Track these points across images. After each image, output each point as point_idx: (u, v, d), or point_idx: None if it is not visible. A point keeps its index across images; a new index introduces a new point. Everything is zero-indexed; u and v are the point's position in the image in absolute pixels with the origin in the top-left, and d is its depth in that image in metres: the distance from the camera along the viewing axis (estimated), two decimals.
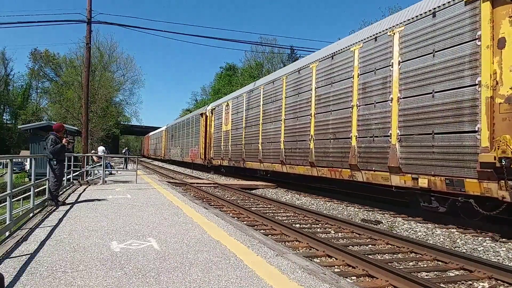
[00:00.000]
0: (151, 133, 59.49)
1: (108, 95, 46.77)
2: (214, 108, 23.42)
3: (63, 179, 11.27)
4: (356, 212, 9.34)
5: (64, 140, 8.15)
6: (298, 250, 5.57)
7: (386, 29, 8.70)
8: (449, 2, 7.11)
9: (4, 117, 64.39)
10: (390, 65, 8.43)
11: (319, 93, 11.33)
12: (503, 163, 5.70)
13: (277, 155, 14.00)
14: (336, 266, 4.82)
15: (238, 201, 11.00)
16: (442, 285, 4.18)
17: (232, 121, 19.60)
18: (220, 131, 21.54)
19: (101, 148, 21.87)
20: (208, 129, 24.21)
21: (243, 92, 18.59)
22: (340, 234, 6.90)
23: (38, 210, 7.23)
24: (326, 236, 6.58)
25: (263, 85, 16.00)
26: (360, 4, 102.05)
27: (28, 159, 20.85)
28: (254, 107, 16.60)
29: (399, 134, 8.05)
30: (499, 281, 4.37)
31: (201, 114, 26.04)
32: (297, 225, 7.48)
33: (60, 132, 8.29)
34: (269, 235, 6.35)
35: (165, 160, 42.93)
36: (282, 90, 13.93)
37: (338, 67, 10.50)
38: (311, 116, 11.68)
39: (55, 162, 7.87)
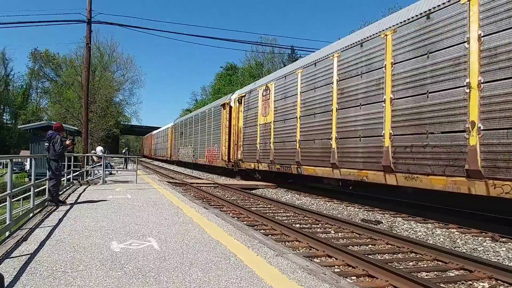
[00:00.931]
0: (154, 132, 55.74)
1: (108, 95, 46.74)
2: (244, 96, 17.74)
3: (63, 179, 11.31)
4: (356, 212, 9.34)
5: (68, 141, 8.19)
6: (298, 250, 5.57)
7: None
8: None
9: (4, 117, 64.48)
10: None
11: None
12: None
13: (375, 156, 8.83)
14: (336, 266, 4.82)
15: (238, 201, 11.00)
16: (442, 285, 4.18)
17: (275, 110, 14.20)
18: (254, 124, 16.19)
19: (99, 148, 21.88)
20: (233, 123, 19.01)
21: (297, 68, 13.00)
22: (340, 234, 6.90)
23: (38, 210, 7.23)
24: (326, 236, 6.57)
25: (340, 51, 10.46)
26: (360, 4, 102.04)
27: (28, 159, 20.85)
28: (321, 86, 11.25)
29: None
30: (499, 281, 4.37)
31: (223, 105, 20.66)
32: (297, 225, 7.47)
33: (62, 132, 8.31)
34: (269, 235, 6.35)
35: (171, 161, 38.51)
36: (385, 53, 8.64)
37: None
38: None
39: (57, 162, 7.88)
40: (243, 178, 18.54)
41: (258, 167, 15.79)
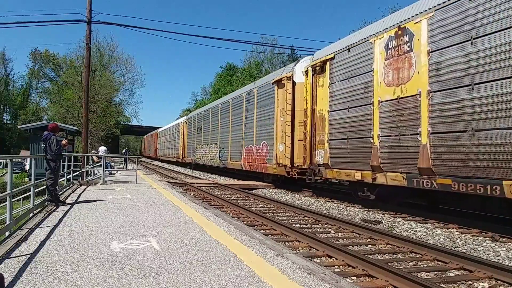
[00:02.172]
0: (160, 129, 49.01)
1: (108, 95, 46.76)
2: (330, 59, 10.73)
3: (63, 179, 11.31)
4: (356, 212, 9.34)
5: (64, 141, 8.23)
6: (298, 250, 5.57)
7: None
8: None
9: (4, 117, 64.49)
10: None
11: None
12: None
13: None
14: (336, 266, 4.82)
15: (238, 201, 11.00)
16: (442, 285, 4.18)
17: (434, 69, 7.40)
18: (364, 104, 9.26)
19: (102, 148, 21.88)
20: (302, 106, 12.46)
21: None
22: (340, 234, 6.90)
23: (38, 210, 7.23)
24: (326, 236, 6.57)
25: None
26: (360, 4, 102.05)
27: (28, 159, 20.84)
28: None
29: None
30: (499, 281, 4.37)
31: (278, 82, 13.94)
32: (297, 225, 7.47)
33: (57, 133, 8.37)
34: (269, 235, 6.35)
35: (184, 163, 31.78)
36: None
37: None
38: None
39: (54, 162, 7.90)
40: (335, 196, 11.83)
41: (375, 179, 8.75)
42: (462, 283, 4.34)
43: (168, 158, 39.70)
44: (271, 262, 3.87)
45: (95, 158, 18.84)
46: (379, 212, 9.30)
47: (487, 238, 6.50)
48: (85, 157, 16.79)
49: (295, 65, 13.55)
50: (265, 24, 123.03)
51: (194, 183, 15.34)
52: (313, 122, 11.62)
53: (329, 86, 10.79)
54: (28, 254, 3.99)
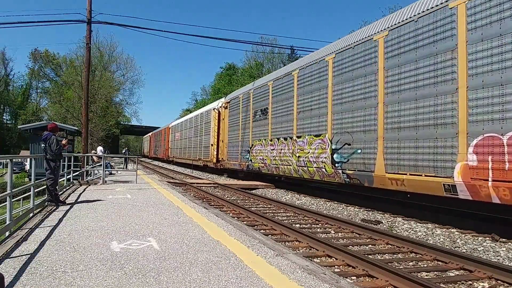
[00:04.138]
0: (173, 123, 39.65)
1: (108, 95, 46.78)
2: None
3: (63, 179, 11.31)
4: (356, 212, 9.34)
5: (64, 141, 8.23)
6: (298, 250, 5.57)
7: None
8: None
9: (4, 117, 64.49)
10: None
11: None
12: None
13: None
14: (336, 266, 4.82)
15: (238, 201, 11.00)
16: (442, 285, 4.18)
17: None
18: None
19: (99, 148, 21.91)
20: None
21: None
22: (340, 234, 6.90)
23: (38, 210, 7.23)
24: (326, 236, 6.58)
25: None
26: (360, 4, 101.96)
27: (28, 159, 20.85)
28: None
29: None
30: (499, 281, 4.37)
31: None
32: (297, 225, 7.48)
33: (57, 133, 8.37)
34: (269, 235, 6.35)
35: (222, 169, 21.36)
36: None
37: None
38: None
39: (54, 162, 7.90)
40: None
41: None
42: (462, 283, 4.34)
43: (189, 160, 29.22)
44: (271, 262, 3.87)
45: (95, 158, 18.84)
46: (379, 212, 9.31)
47: (487, 238, 6.50)
48: (85, 157, 16.79)
49: None
50: (265, 24, 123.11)
51: (194, 183, 15.33)
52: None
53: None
54: (28, 254, 3.98)
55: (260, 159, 15.55)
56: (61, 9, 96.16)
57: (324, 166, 10.91)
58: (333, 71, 10.86)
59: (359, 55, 9.74)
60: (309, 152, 11.80)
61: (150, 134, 60.12)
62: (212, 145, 22.37)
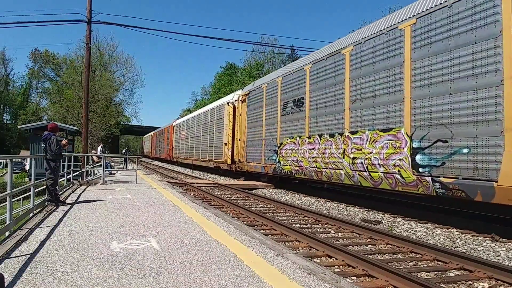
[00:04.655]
0: (179, 121, 36.69)
1: (108, 95, 46.76)
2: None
3: (63, 179, 11.31)
4: (356, 212, 9.34)
5: (64, 141, 8.24)
6: (298, 250, 5.57)
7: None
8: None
9: (4, 117, 64.47)
10: None
11: None
12: None
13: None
14: (336, 266, 4.82)
15: (238, 201, 11.00)
16: (442, 285, 4.18)
17: None
18: None
19: (98, 148, 21.92)
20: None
21: None
22: (340, 234, 6.90)
23: (38, 210, 7.23)
24: (326, 236, 6.58)
25: None
26: (360, 4, 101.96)
27: (28, 159, 20.85)
28: None
29: None
30: (499, 281, 4.37)
31: None
32: (297, 225, 7.48)
33: (57, 133, 8.38)
34: (269, 235, 6.35)
35: (238, 172, 18.46)
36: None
37: None
38: None
39: (54, 162, 7.90)
40: None
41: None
42: (462, 283, 4.34)
43: (196, 161, 26.65)
44: (271, 262, 3.87)
45: (95, 158, 18.83)
46: (379, 212, 9.30)
47: (487, 238, 6.50)
48: (85, 157, 16.79)
49: None
50: (265, 24, 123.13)
51: (194, 183, 15.33)
52: None
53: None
54: (28, 254, 3.98)
55: (293, 161, 12.58)
56: (61, 9, 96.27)
57: (399, 171, 8.19)
58: (412, 40, 8.07)
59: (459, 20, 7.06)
60: (371, 152, 9.10)
61: (151, 133, 57.85)
62: (225, 144, 19.59)
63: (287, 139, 13.19)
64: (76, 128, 24.63)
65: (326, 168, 10.81)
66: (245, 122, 17.24)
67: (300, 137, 12.42)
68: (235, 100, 19.02)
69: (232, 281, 3.26)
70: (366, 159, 9.26)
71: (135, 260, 3.81)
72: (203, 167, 25.42)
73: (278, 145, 13.74)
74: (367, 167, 9.21)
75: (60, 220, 6.00)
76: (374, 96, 9.19)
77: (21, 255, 3.95)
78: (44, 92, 64.00)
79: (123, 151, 33.49)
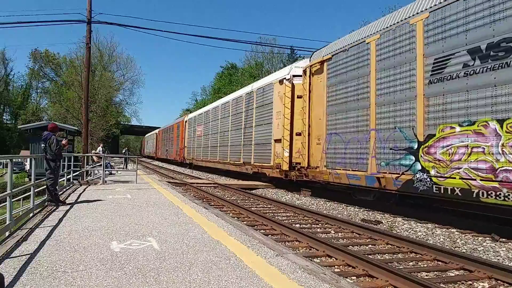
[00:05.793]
0: (192, 114, 31.40)
1: (108, 95, 46.74)
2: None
3: (63, 179, 11.30)
4: (356, 212, 9.34)
5: (64, 141, 8.24)
6: (298, 250, 5.57)
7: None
8: None
9: (4, 117, 64.41)
10: None
11: None
12: None
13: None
14: (336, 266, 4.82)
15: (238, 201, 11.00)
16: (442, 285, 4.18)
17: None
18: None
19: (99, 148, 21.94)
20: None
21: None
22: (340, 234, 6.90)
23: (38, 210, 7.22)
24: (326, 236, 6.57)
25: None
26: (360, 4, 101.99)
27: (28, 159, 20.85)
28: None
29: None
30: (499, 281, 4.37)
31: None
32: (297, 225, 7.47)
33: (57, 133, 8.38)
34: (269, 235, 6.35)
35: (295, 182, 12.87)
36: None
37: None
38: None
39: (54, 162, 7.91)
40: None
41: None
42: (462, 283, 4.34)
43: (220, 164, 21.19)
44: (271, 262, 3.87)
45: (95, 158, 18.84)
46: (379, 212, 9.30)
47: (487, 238, 6.50)
48: (85, 157, 16.79)
49: None
50: (265, 24, 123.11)
51: (194, 183, 15.33)
52: None
53: None
54: (28, 254, 3.98)
55: (475, 168, 6.55)
56: (61, 9, 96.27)
57: None
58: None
59: None
60: None
61: (156, 131, 51.22)
62: (277, 140, 13.83)
63: (452, 128, 7.08)
64: (76, 128, 24.63)
65: None
66: (322, 105, 11.16)
67: (499, 122, 6.20)
68: (294, 76, 13.08)
69: (232, 281, 3.26)
70: None
71: (135, 260, 3.81)
72: (231, 172, 19.57)
73: (422, 140, 7.72)
74: None
75: (60, 220, 6.00)
76: None
77: (21, 255, 3.95)
78: (44, 92, 64.00)
79: (123, 151, 33.40)
